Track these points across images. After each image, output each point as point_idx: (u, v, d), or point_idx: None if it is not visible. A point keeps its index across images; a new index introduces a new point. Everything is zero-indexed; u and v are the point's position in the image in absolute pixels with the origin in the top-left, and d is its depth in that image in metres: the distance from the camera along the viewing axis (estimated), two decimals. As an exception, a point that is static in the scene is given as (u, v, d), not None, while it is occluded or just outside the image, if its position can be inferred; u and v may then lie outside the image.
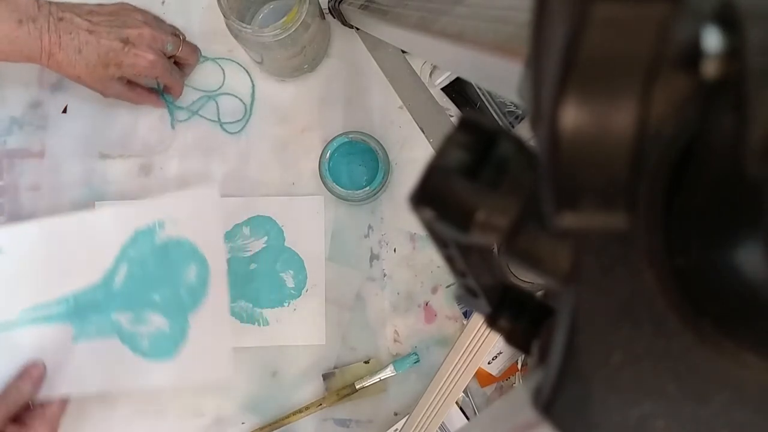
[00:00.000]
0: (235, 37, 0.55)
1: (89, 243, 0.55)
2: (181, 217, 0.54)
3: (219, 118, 0.64)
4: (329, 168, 0.58)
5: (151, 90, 0.62)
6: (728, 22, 0.12)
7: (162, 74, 0.57)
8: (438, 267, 0.62)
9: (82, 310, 0.55)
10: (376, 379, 0.60)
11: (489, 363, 0.60)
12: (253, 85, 0.64)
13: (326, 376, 0.61)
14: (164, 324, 0.54)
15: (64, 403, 0.54)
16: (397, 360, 0.61)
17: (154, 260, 0.54)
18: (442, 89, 0.62)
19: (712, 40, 0.12)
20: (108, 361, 0.54)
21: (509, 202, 0.16)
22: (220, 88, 0.64)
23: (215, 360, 0.54)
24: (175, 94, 0.62)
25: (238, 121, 0.64)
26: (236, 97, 0.64)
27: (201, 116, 0.64)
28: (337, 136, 0.58)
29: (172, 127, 0.64)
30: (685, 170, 0.14)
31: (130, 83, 0.59)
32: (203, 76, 0.64)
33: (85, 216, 0.56)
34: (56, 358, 0.54)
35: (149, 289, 0.54)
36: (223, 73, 0.64)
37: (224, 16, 0.52)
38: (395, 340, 0.62)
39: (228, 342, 0.54)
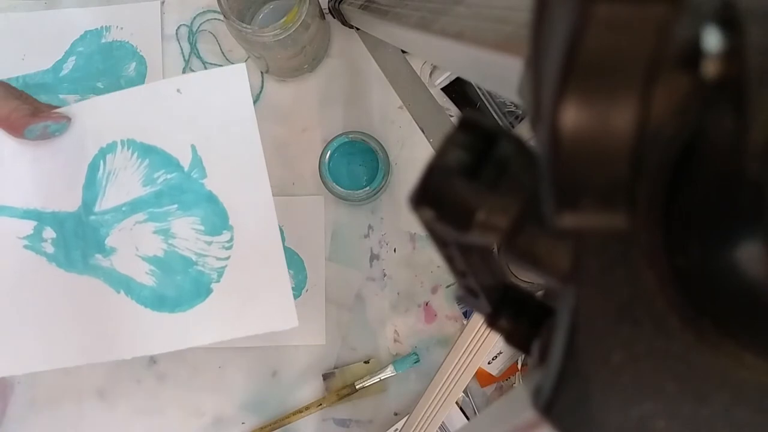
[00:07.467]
0: (235, 37, 0.55)
1: (43, 38, 0.65)
2: (125, 24, 0.65)
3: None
4: (329, 168, 0.58)
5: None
6: (728, 21, 0.12)
7: None
8: (438, 267, 0.62)
9: (32, 89, 0.61)
10: (376, 379, 0.60)
11: (489, 363, 0.60)
12: (263, 85, 0.64)
13: (326, 376, 0.61)
14: None
15: None
16: (397, 360, 0.61)
17: (100, 56, 0.65)
18: (442, 89, 0.62)
19: (712, 39, 0.12)
20: None
21: (509, 202, 0.16)
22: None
23: None
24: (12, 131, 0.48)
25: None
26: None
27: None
28: (337, 136, 0.58)
29: (184, 71, 0.64)
30: (686, 170, 0.14)
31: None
32: (233, 44, 0.64)
33: (43, 14, 0.65)
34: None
35: (94, 79, 0.65)
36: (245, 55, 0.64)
37: (224, 16, 0.52)
38: (395, 340, 0.62)
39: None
